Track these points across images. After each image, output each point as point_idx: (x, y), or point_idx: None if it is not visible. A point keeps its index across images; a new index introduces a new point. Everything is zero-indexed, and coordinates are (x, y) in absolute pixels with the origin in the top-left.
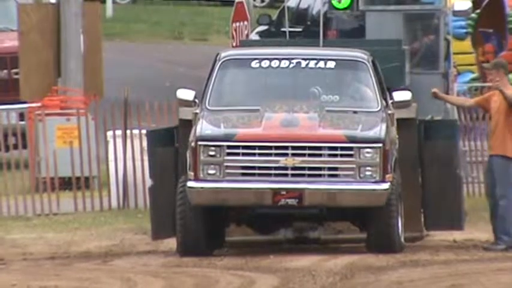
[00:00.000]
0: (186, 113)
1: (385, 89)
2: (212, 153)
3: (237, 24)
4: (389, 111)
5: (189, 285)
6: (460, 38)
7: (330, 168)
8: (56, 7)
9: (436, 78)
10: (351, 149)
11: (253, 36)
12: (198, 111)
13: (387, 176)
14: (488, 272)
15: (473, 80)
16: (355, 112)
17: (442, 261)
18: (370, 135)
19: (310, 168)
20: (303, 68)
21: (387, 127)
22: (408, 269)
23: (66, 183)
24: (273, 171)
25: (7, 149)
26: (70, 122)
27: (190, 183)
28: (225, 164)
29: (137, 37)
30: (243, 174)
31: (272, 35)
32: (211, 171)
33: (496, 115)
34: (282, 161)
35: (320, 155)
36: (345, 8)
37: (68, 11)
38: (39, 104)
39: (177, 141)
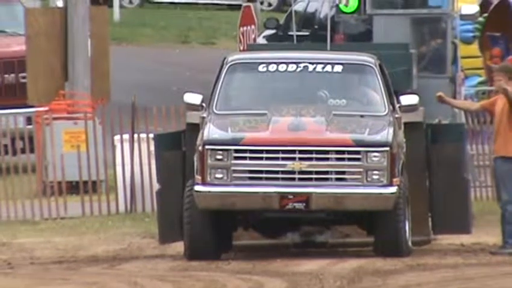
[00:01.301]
0: (193, 117)
1: (393, 92)
2: (219, 157)
3: (244, 28)
4: (397, 115)
5: None
6: (467, 41)
7: (337, 172)
8: (63, 11)
9: (444, 82)
10: (358, 152)
11: (261, 40)
12: (205, 115)
13: (394, 179)
14: (495, 275)
15: (481, 83)
16: (362, 116)
17: (449, 265)
18: (378, 139)
19: (317, 172)
20: (310, 72)
21: (394, 131)
22: (416, 273)
23: (73, 187)
24: (280, 175)
25: (14, 153)
26: (77, 126)
27: (197, 187)
28: (232, 168)
29: (144, 41)
30: (250, 178)
31: (279, 39)
32: (218, 175)
33: (499, 117)
34: (289, 165)
35: (327, 159)
36: (352, 12)
37: (75, 15)
38: (46, 108)
39: (184, 145)
